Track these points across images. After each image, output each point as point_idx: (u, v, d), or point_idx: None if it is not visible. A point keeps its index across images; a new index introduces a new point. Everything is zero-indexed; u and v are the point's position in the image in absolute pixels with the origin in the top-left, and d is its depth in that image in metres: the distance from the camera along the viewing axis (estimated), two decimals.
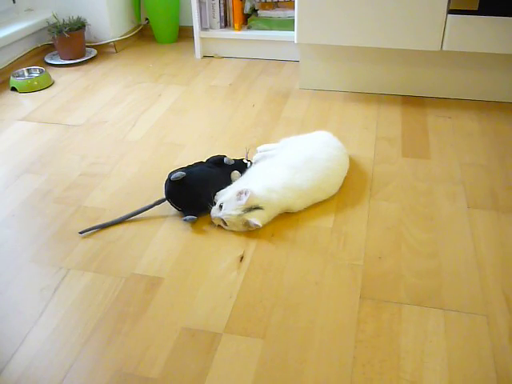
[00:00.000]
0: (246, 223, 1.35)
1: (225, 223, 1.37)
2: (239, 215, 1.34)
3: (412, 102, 2.09)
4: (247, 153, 1.61)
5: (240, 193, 1.35)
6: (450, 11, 1.85)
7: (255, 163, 1.60)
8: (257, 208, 1.36)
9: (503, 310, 1.14)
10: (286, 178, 1.43)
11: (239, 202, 1.34)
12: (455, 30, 1.87)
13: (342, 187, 1.55)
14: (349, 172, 1.60)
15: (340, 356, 1.05)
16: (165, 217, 1.46)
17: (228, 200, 1.36)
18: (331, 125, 1.92)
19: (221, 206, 1.37)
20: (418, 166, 1.66)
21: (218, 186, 1.45)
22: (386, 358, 1.04)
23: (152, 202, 1.45)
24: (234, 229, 1.37)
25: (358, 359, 1.04)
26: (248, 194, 1.33)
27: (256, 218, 1.34)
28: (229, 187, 1.45)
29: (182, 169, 1.44)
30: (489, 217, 1.43)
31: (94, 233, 1.41)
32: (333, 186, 1.52)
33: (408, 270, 1.26)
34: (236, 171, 1.52)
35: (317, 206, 1.48)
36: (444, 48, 1.91)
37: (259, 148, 1.71)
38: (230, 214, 1.34)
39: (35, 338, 1.11)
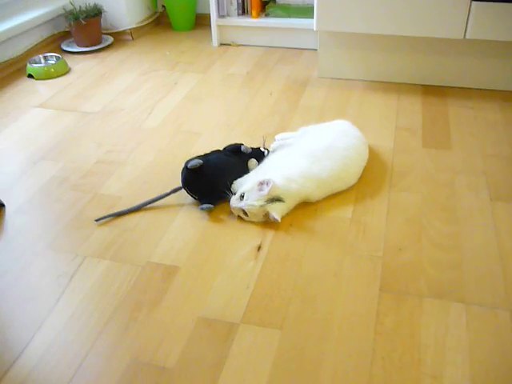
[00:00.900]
0: (266, 214, 1.33)
1: (245, 213, 1.34)
2: (261, 206, 1.32)
3: (433, 91, 2.05)
4: (264, 141, 1.59)
5: (261, 183, 1.33)
6: None
7: (273, 151, 1.58)
8: (278, 200, 1.33)
9: None
10: (305, 168, 1.41)
11: (261, 192, 1.32)
12: (479, 18, 1.83)
13: (361, 177, 1.52)
14: (368, 162, 1.57)
15: (359, 348, 1.03)
16: (181, 205, 1.44)
17: (249, 190, 1.34)
18: (350, 114, 1.89)
19: (242, 196, 1.34)
20: (438, 156, 1.63)
21: (235, 175, 1.43)
22: (406, 352, 1.02)
23: (168, 191, 1.44)
24: (254, 219, 1.35)
25: (377, 352, 1.02)
26: (270, 185, 1.31)
27: (276, 212, 1.32)
28: (247, 176, 1.43)
29: (198, 157, 1.43)
30: None
31: (111, 220, 1.40)
32: (352, 176, 1.49)
33: (429, 262, 1.23)
34: (253, 159, 1.50)
35: (336, 196, 1.46)
36: (467, 36, 1.87)
37: (277, 136, 1.68)
38: (252, 205, 1.32)
39: (52, 324, 1.11)
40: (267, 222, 1.36)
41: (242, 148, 1.49)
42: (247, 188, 1.34)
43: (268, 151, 1.55)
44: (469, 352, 1.02)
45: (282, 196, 1.34)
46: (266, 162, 1.50)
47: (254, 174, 1.43)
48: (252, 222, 1.36)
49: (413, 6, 1.86)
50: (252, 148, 1.52)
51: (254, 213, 1.33)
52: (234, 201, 1.36)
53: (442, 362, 1.00)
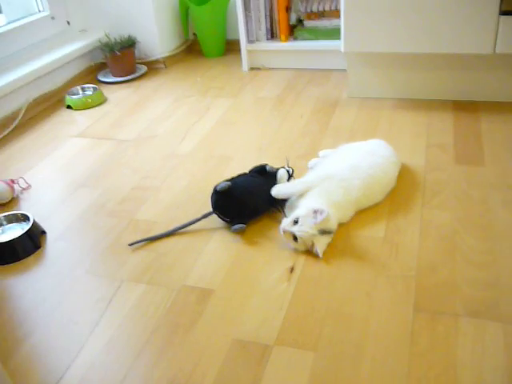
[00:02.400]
0: (312, 245, 1.33)
1: (295, 239, 1.34)
2: (313, 234, 1.32)
3: (464, 107, 2.03)
4: (288, 161, 1.61)
5: (315, 211, 1.33)
6: (503, 12, 1.80)
7: (311, 167, 1.66)
8: (328, 232, 1.34)
9: None
10: (340, 194, 1.42)
11: (314, 220, 1.32)
12: (508, 32, 1.81)
13: (392, 195, 1.52)
14: (400, 180, 1.57)
15: (394, 369, 1.03)
16: (214, 229, 1.47)
17: (304, 216, 1.33)
18: (381, 133, 1.89)
19: (295, 222, 1.34)
20: (471, 173, 1.61)
21: (263, 194, 1.45)
22: (442, 373, 1.01)
23: (199, 216, 1.47)
24: (301, 247, 1.34)
25: (412, 373, 1.01)
26: (324, 215, 1.31)
27: (321, 246, 1.32)
28: (301, 201, 1.42)
29: (226, 180, 1.45)
30: None
31: (146, 245, 1.44)
32: (376, 194, 1.50)
33: (464, 280, 1.21)
34: (282, 169, 1.53)
35: (368, 215, 1.46)
36: (497, 51, 1.85)
37: (320, 153, 1.75)
38: (305, 232, 1.31)
39: (91, 348, 1.14)
40: None
41: (268, 168, 1.52)
42: (302, 214, 1.34)
43: (293, 170, 1.56)
44: (507, 371, 1.00)
45: (332, 228, 1.35)
46: (307, 180, 1.49)
47: (306, 199, 1.41)
48: (284, 244, 1.37)
49: (440, 22, 1.86)
50: (277, 168, 1.55)
51: (304, 240, 1.32)
52: (287, 224, 1.34)
53: (479, 383, 0.98)
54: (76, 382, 1.07)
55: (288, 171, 1.54)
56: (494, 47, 1.86)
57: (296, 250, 1.35)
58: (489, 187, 1.54)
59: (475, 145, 1.77)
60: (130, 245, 1.44)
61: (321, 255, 1.31)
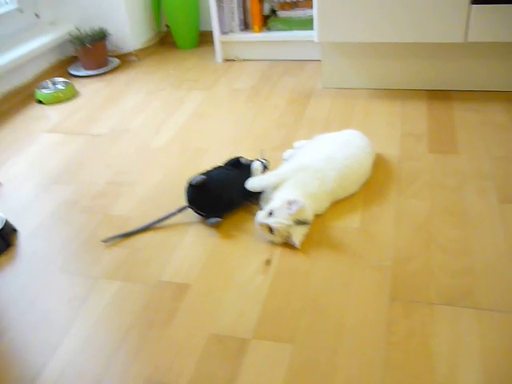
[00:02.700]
0: (288, 237, 1.33)
1: (271, 231, 1.33)
2: (289, 225, 1.31)
3: (438, 96, 2.05)
4: (262, 153, 1.60)
5: (290, 202, 1.32)
6: (474, 1, 1.81)
7: (285, 159, 1.65)
8: (304, 222, 1.34)
9: None
10: (315, 186, 1.41)
11: (289, 211, 1.31)
12: (479, 21, 1.83)
13: (368, 185, 1.53)
14: (375, 170, 1.58)
15: (371, 359, 1.03)
16: (189, 224, 1.46)
17: (279, 208, 1.32)
18: (355, 123, 1.89)
19: (270, 214, 1.33)
20: (446, 161, 1.62)
21: (239, 187, 1.44)
22: (418, 361, 1.02)
23: (174, 210, 1.45)
24: (277, 239, 1.33)
25: (389, 362, 1.02)
26: (298, 205, 1.30)
27: (298, 237, 1.32)
28: (275, 192, 1.41)
29: (200, 174, 1.44)
30: None
31: (121, 241, 1.42)
32: (352, 185, 1.50)
33: (439, 269, 1.22)
34: (257, 162, 1.51)
35: (343, 206, 1.46)
36: (469, 39, 1.87)
37: (295, 144, 1.74)
38: (281, 223, 1.31)
39: (66, 347, 1.12)
40: None
41: (242, 160, 1.51)
42: (276, 205, 1.33)
43: (268, 162, 1.55)
44: (482, 358, 1.01)
45: (307, 218, 1.35)
46: (280, 173, 1.48)
47: (281, 191, 1.41)
48: (261, 237, 1.36)
49: (412, 12, 1.87)
50: (251, 160, 1.54)
51: (280, 231, 1.31)
52: (262, 217, 1.34)
53: (455, 370, 0.99)
54: (52, 381, 1.05)
55: (263, 163, 1.53)
56: (466, 36, 1.87)
57: (272, 243, 1.34)
58: (463, 175, 1.55)
59: (449, 134, 1.78)
60: (104, 241, 1.41)
61: (298, 245, 1.31)
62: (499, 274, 1.20)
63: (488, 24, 1.83)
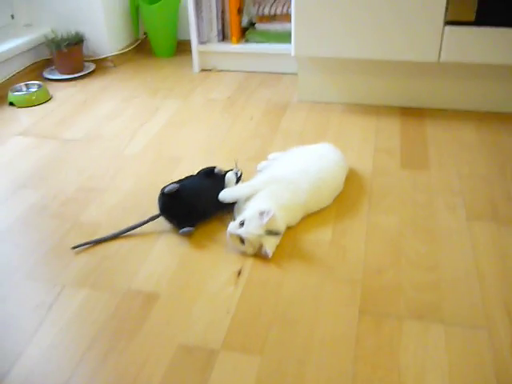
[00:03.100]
0: (260, 247, 1.32)
1: (242, 241, 1.32)
2: (260, 235, 1.30)
3: (411, 113, 2.08)
4: (236, 164, 1.60)
5: (261, 213, 1.32)
6: (447, 22, 1.85)
7: (260, 170, 1.65)
8: (276, 233, 1.33)
9: (505, 322, 1.12)
10: (288, 197, 1.42)
11: (261, 221, 1.30)
12: (452, 41, 1.87)
13: (340, 199, 1.54)
14: (347, 184, 1.59)
15: (339, 373, 1.03)
16: (161, 232, 1.44)
17: (250, 218, 1.32)
18: (330, 137, 1.91)
19: (241, 224, 1.32)
20: (417, 177, 1.65)
21: (212, 196, 1.44)
22: (386, 375, 1.02)
23: (146, 218, 1.43)
24: (249, 250, 1.32)
25: (357, 376, 1.02)
26: (270, 215, 1.30)
27: (270, 247, 1.31)
28: (248, 203, 1.41)
29: (173, 183, 1.43)
30: (489, 228, 1.41)
31: (90, 248, 1.40)
32: (325, 198, 1.51)
33: (408, 283, 1.24)
34: (230, 173, 1.51)
35: (315, 219, 1.47)
36: (442, 59, 1.91)
37: (270, 156, 1.74)
38: (252, 233, 1.30)
39: (30, 355, 1.09)
40: None
41: (216, 170, 1.51)
42: (248, 216, 1.32)
43: (241, 173, 1.55)
44: (448, 373, 1.02)
45: (280, 230, 1.35)
46: (254, 184, 1.48)
47: (253, 202, 1.41)
48: (232, 247, 1.36)
49: (387, 30, 1.90)
50: (225, 171, 1.53)
51: (251, 242, 1.31)
52: (233, 227, 1.33)
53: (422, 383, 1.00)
54: None
55: (236, 174, 1.53)
56: (439, 56, 1.91)
57: (244, 254, 1.34)
58: (433, 192, 1.58)
59: (421, 150, 1.81)
60: (73, 248, 1.39)
61: (270, 255, 1.31)
62: (466, 289, 1.22)
63: (461, 45, 1.87)
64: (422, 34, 1.88)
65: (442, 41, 1.88)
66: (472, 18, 1.82)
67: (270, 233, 1.32)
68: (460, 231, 1.41)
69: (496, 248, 1.34)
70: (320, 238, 1.40)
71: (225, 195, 1.44)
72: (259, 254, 1.33)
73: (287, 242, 1.38)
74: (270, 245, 1.32)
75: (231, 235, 1.33)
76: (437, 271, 1.27)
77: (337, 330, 1.12)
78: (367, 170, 1.70)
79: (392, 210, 1.50)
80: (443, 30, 1.86)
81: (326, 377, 1.02)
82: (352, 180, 1.64)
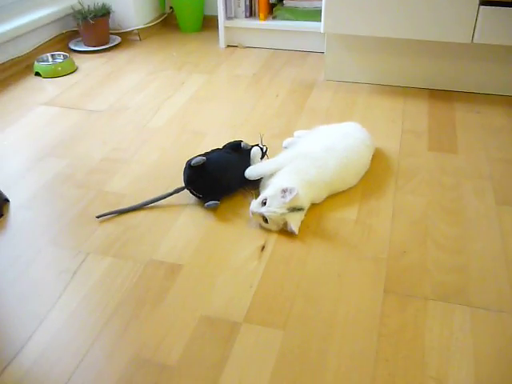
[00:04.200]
0: (285, 224, 1.31)
1: (265, 220, 1.31)
2: (282, 214, 1.29)
3: (439, 95, 2.04)
4: (262, 138, 1.58)
5: (284, 190, 1.30)
6: (482, 2, 1.80)
7: (285, 147, 1.65)
8: (299, 209, 1.32)
9: None
10: (313, 174, 1.40)
11: (283, 199, 1.29)
12: (487, 22, 1.82)
13: (366, 179, 1.52)
14: (374, 164, 1.57)
15: (362, 350, 1.02)
16: (185, 205, 1.44)
17: (272, 196, 1.30)
18: (356, 117, 1.88)
19: (264, 202, 1.31)
20: (444, 160, 1.62)
21: (238, 170, 1.43)
22: (409, 354, 1.01)
23: (171, 190, 1.43)
24: (273, 227, 1.32)
25: (380, 354, 1.01)
26: (294, 193, 1.28)
27: (295, 224, 1.30)
28: (272, 178, 1.40)
29: (199, 155, 1.42)
30: None
31: (114, 218, 1.40)
32: (351, 177, 1.49)
33: (434, 265, 1.22)
34: (256, 148, 1.50)
35: (341, 198, 1.45)
36: (475, 40, 1.86)
37: (296, 133, 1.72)
38: (274, 212, 1.29)
39: (53, 320, 1.10)
40: None
41: (242, 144, 1.49)
42: (270, 194, 1.31)
43: (266, 148, 1.54)
44: (473, 355, 1.01)
45: (303, 205, 1.33)
46: (279, 160, 1.46)
47: (277, 178, 1.39)
48: (254, 223, 1.35)
49: (420, 9, 1.86)
50: (251, 145, 1.52)
51: (274, 220, 1.30)
52: (256, 205, 1.31)
53: (446, 365, 0.99)
54: (35, 355, 1.03)
55: (262, 149, 1.51)
56: (472, 37, 1.86)
57: (268, 230, 1.33)
58: (461, 175, 1.55)
59: (449, 133, 1.78)
60: (97, 217, 1.39)
61: (296, 232, 1.30)
62: (493, 273, 1.20)
63: (495, 26, 1.82)
64: (456, 13, 1.83)
65: (476, 21, 1.83)
66: None
67: (294, 209, 1.31)
68: (488, 215, 1.38)
69: None
70: (345, 216, 1.38)
71: (251, 172, 1.43)
72: (284, 230, 1.32)
73: (312, 220, 1.36)
74: (294, 222, 1.31)
75: (254, 213, 1.32)
76: (463, 254, 1.25)
77: (361, 308, 1.11)
78: (394, 150, 1.67)
79: (419, 192, 1.47)
80: (478, 10, 1.81)
81: (349, 353, 1.01)
82: (379, 160, 1.61)
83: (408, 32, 1.91)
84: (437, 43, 1.99)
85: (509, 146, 1.69)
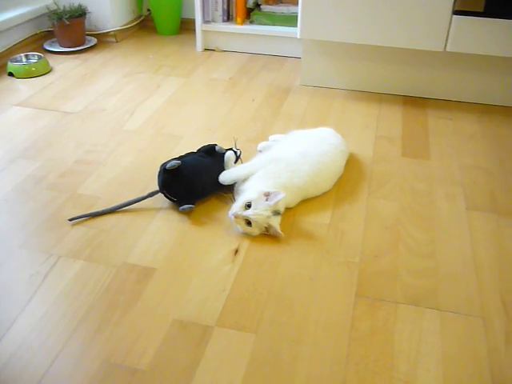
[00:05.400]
0: (266, 228, 1.32)
1: (248, 223, 1.31)
2: (268, 216, 1.30)
3: (413, 102, 2.07)
4: (235, 142, 1.58)
5: (267, 194, 1.32)
6: (456, 12, 1.84)
7: (260, 151, 1.66)
8: (278, 213, 1.33)
9: (500, 312, 1.13)
10: (287, 178, 1.41)
11: (268, 202, 1.30)
12: (460, 31, 1.86)
13: (340, 184, 1.53)
14: (347, 169, 1.59)
15: (333, 353, 1.03)
16: (158, 209, 1.43)
17: (256, 199, 1.31)
18: (331, 122, 1.90)
19: (248, 206, 1.31)
20: (417, 166, 1.65)
21: (212, 174, 1.43)
22: (379, 357, 1.02)
23: (145, 194, 1.42)
24: (255, 231, 1.32)
25: (351, 357, 1.02)
26: (280, 196, 1.30)
27: (278, 226, 1.32)
28: (248, 182, 1.41)
29: (174, 159, 1.42)
30: (487, 219, 1.41)
31: (87, 221, 1.39)
32: (325, 182, 1.50)
33: (405, 269, 1.24)
34: (230, 151, 1.51)
35: (314, 202, 1.46)
36: (448, 49, 1.90)
37: (270, 137, 1.74)
38: (261, 214, 1.29)
39: (23, 323, 1.09)
40: None
41: (217, 148, 1.49)
42: (253, 197, 1.32)
43: (240, 152, 1.54)
44: (442, 358, 1.02)
45: (281, 210, 1.35)
46: (254, 164, 1.47)
47: (251, 182, 1.40)
48: (230, 226, 1.35)
49: (394, 17, 1.89)
50: (226, 149, 1.52)
51: (258, 223, 1.30)
52: (239, 209, 1.32)
53: (415, 368, 1.00)
54: (6, 357, 1.01)
55: (236, 152, 1.52)
56: (445, 45, 1.90)
57: (246, 234, 1.33)
58: (432, 180, 1.57)
59: (422, 139, 1.80)
60: (70, 220, 1.38)
61: (282, 234, 1.31)
62: (463, 277, 1.22)
63: (467, 35, 1.86)
64: (430, 22, 1.87)
65: (449, 30, 1.87)
66: (481, 8, 1.81)
67: (276, 213, 1.32)
68: (458, 220, 1.40)
69: (494, 238, 1.34)
70: (319, 220, 1.39)
71: (224, 177, 1.43)
72: (266, 234, 1.33)
73: (285, 224, 1.37)
74: (277, 225, 1.32)
75: (237, 217, 1.32)
76: (434, 258, 1.27)
77: (332, 312, 1.12)
78: (368, 156, 1.69)
79: (391, 197, 1.49)
80: (451, 19, 1.85)
81: (320, 357, 1.02)
82: (352, 165, 1.63)
83: (382, 39, 1.94)
84: (411, 51, 2.03)
85: (480, 152, 1.73)
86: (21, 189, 1.51)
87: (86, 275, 1.21)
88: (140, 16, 2.87)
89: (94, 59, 2.46)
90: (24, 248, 1.29)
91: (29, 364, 1.00)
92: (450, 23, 1.86)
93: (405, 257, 1.27)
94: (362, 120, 1.93)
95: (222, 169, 1.46)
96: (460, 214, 1.43)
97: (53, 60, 2.42)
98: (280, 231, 1.31)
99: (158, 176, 1.42)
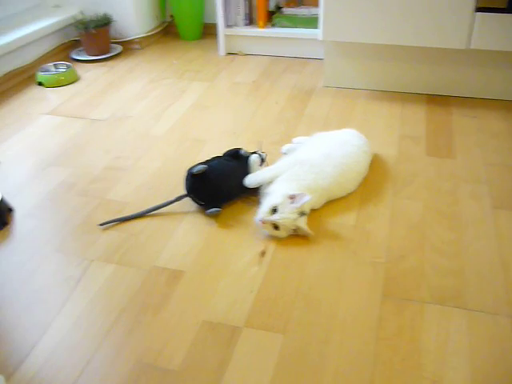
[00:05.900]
0: (296, 229, 1.34)
1: (275, 227, 1.33)
2: (295, 219, 1.32)
3: (437, 101, 2.07)
4: (261, 145, 1.61)
5: (292, 196, 1.34)
6: (478, 9, 1.83)
7: (284, 153, 1.68)
8: (303, 213, 1.36)
9: None
10: (311, 180, 1.42)
11: (294, 205, 1.32)
12: (483, 28, 1.85)
13: (365, 184, 1.54)
14: (372, 170, 1.59)
15: (360, 353, 1.04)
16: (186, 212, 1.46)
17: (281, 203, 1.33)
18: (354, 123, 1.91)
19: (274, 210, 1.33)
20: (442, 165, 1.64)
21: (238, 178, 1.45)
22: (407, 357, 1.03)
23: (173, 198, 1.46)
24: (282, 234, 1.34)
25: (378, 357, 1.03)
26: (306, 198, 1.32)
27: (305, 226, 1.34)
28: (271, 186, 1.42)
29: (200, 163, 1.45)
30: None
31: (117, 225, 1.42)
32: (349, 183, 1.51)
33: (431, 269, 1.24)
34: (255, 155, 1.52)
35: (340, 203, 1.47)
36: (471, 46, 1.89)
37: (294, 139, 1.75)
38: (287, 218, 1.31)
39: (58, 327, 1.13)
40: None
41: (242, 152, 1.52)
42: (278, 202, 1.33)
43: (265, 155, 1.56)
44: (469, 357, 1.03)
45: (307, 211, 1.37)
46: (279, 166, 1.49)
47: (275, 185, 1.42)
48: (257, 228, 1.37)
49: (418, 16, 1.88)
50: (250, 152, 1.54)
51: (286, 226, 1.32)
52: (265, 214, 1.33)
53: (442, 367, 1.01)
54: (41, 362, 1.05)
55: (261, 156, 1.54)
56: (469, 43, 1.89)
57: (273, 237, 1.35)
58: (458, 179, 1.57)
59: (446, 138, 1.80)
60: (100, 225, 1.42)
61: (311, 233, 1.33)
62: (489, 276, 1.22)
63: (491, 32, 1.84)
64: (452, 20, 1.86)
65: (472, 28, 1.86)
66: (504, 4, 1.79)
67: (302, 214, 1.35)
68: (484, 219, 1.40)
69: None
70: (344, 221, 1.41)
71: (250, 181, 1.45)
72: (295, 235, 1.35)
73: (311, 225, 1.38)
74: (304, 225, 1.34)
75: (265, 222, 1.33)
76: (460, 258, 1.27)
77: (359, 312, 1.13)
78: (392, 156, 1.70)
79: (416, 197, 1.50)
80: (474, 16, 1.84)
81: (347, 356, 1.04)
82: (377, 166, 1.64)
83: (405, 39, 1.94)
84: (434, 49, 2.02)
85: (505, 150, 1.72)
86: (53, 195, 1.56)
87: (117, 278, 1.25)
88: (163, 22, 2.92)
89: (119, 66, 2.52)
90: (58, 253, 1.34)
91: (64, 366, 1.04)
92: (473, 21, 1.85)
93: (431, 256, 1.28)
94: (386, 120, 1.93)
95: (247, 172, 1.48)
96: (486, 212, 1.43)
97: (80, 68, 2.48)
98: (309, 230, 1.33)
99: (186, 180, 1.45)
